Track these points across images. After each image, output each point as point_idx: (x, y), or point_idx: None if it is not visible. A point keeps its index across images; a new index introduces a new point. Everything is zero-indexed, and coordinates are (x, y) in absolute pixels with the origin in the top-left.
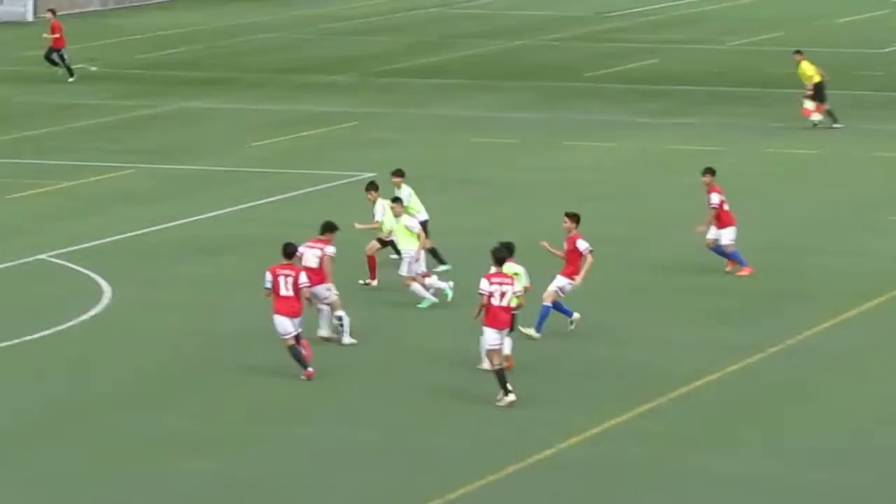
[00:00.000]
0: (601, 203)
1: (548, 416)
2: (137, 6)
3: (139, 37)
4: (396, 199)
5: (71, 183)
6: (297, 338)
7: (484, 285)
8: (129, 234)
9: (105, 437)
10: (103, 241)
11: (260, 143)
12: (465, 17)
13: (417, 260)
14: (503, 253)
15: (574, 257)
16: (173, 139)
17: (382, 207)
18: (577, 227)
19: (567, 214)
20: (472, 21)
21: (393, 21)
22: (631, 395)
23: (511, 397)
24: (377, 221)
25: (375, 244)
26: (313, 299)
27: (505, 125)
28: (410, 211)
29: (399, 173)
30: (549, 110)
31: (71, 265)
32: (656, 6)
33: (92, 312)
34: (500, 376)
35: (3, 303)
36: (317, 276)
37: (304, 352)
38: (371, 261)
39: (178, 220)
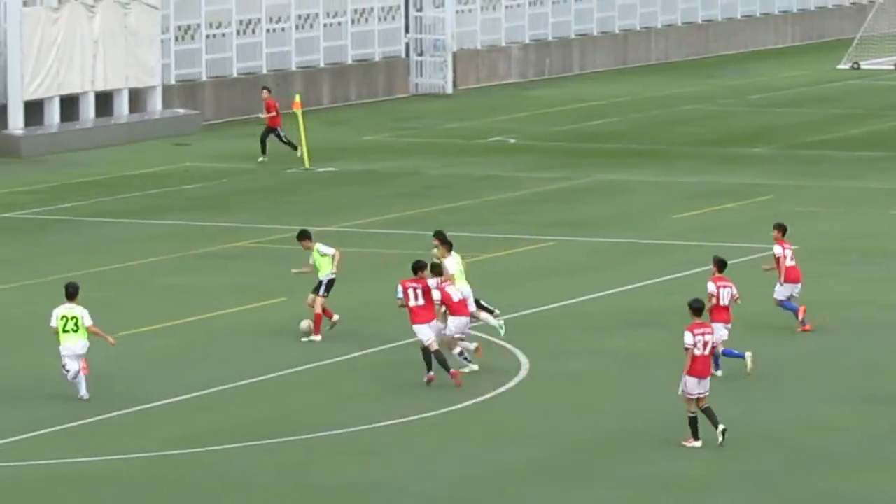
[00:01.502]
0: None
1: None
2: (557, 78)
3: (559, 109)
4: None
5: (487, 256)
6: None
7: (688, 338)
8: (547, 307)
9: None
10: (520, 313)
11: (680, 215)
12: (891, 90)
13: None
14: (698, 304)
15: None
16: (591, 212)
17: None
18: None
19: None
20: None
21: (818, 92)
22: None
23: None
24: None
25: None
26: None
27: None
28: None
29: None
30: None
31: (487, 337)
32: None
33: (509, 384)
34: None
35: (420, 374)
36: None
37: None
38: None
39: (598, 292)
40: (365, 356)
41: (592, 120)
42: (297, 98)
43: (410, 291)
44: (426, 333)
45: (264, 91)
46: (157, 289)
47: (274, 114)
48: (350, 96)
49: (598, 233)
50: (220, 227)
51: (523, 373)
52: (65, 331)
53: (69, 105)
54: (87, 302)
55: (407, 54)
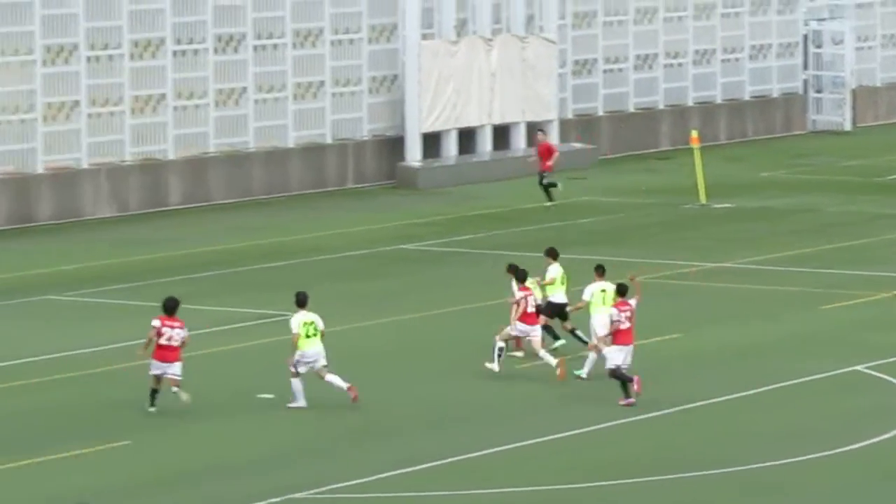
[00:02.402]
0: None
1: None
2: None
3: None
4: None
5: (880, 295)
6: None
7: None
8: None
9: None
10: None
11: None
12: None
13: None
14: None
15: None
16: None
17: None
18: None
19: None
20: None
21: None
22: None
23: None
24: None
25: None
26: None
27: None
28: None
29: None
30: None
31: (887, 377)
32: None
33: None
34: None
35: (817, 413)
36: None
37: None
38: None
39: None
40: (761, 394)
41: None
42: (695, 133)
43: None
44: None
45: (539, 133)
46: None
47: (548, 161)
48: (747, 132)
49: None
50: (614, 262)
51: None
52: (307, 336)
53: (466, 138)
54: (481, 333)
55: (805, 91)
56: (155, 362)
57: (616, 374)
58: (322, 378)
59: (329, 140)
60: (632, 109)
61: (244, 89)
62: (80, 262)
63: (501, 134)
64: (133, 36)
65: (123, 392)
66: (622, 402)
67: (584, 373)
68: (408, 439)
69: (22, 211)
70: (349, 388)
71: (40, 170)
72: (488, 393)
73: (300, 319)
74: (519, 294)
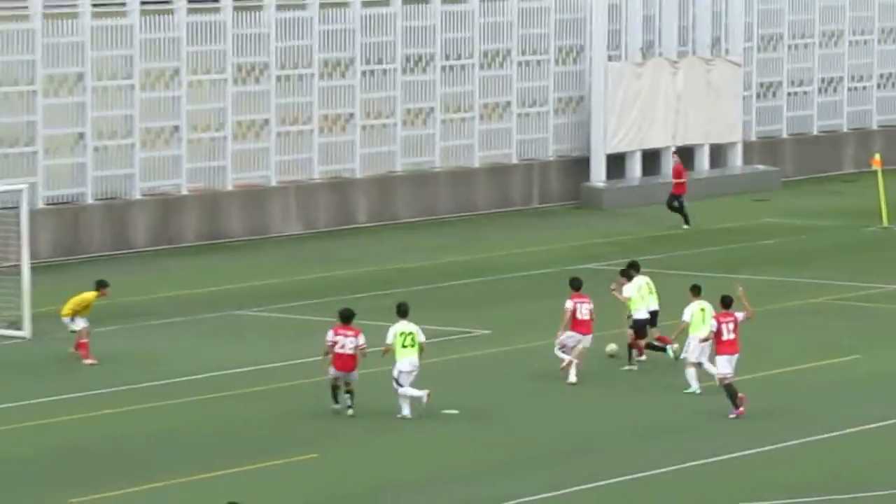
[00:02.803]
0: None
1: None
2: None
3: None
4: None
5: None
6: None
7: None
8: None
9: None
10: None
11: None
12: None
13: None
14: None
15: None
16: None
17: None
18: None
19: None
20: None
21: None
22: None
23: None
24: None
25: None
26: None
27: None
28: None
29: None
30: None
31: None
32: None
33: None
34: None
35: None
36: None
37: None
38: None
39: None
40: None
41: None
42: (877, 156)
43: (724, 327)
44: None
45: (674, 157)
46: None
47: (683, 180)
48: None
49: None
50: (796, 283)
51: None
52: (403, 346)
53: (650, 159)
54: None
55: None
56: (332, 370)
57: (726, 385)
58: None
59: (515, 160)
60: (815, 132)
61: (431, 109)
62: (267, 278)
63: (685, 155)
64: (323, 55)
65: (310, 406)
66: (732, 415)
67: (695, 388)
68: (598, 456)
69: (212, 227)
70: (427, 395)
71: (230, 187)
72: (657, 411)
73: (398, 329)
74: (569, 303)
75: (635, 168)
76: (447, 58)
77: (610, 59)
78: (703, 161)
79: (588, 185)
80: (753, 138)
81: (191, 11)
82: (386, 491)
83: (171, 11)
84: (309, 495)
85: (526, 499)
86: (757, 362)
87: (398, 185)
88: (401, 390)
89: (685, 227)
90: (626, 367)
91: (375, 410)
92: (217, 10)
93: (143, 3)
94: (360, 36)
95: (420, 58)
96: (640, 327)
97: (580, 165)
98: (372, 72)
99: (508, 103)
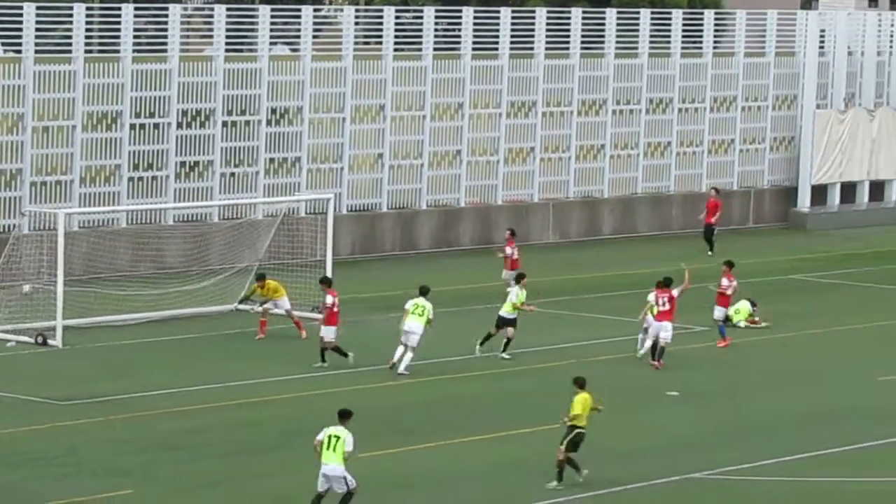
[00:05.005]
0: None
1: None
2: None
3: None
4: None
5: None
6: None
7: None
8: None
9: None
10: None
11: None
12: None
13: None
14: None
15: None
16: None
17: None
18: None
19: None
20: None
21: None
22: None
23: None
24: None
25: None
26: None
27: None
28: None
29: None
30: None
31: None
32: None
33: None
34: None
35: None
36: None
37: None
38: None
39: None
40: None
41: None
42: None
43: (659, 300)
44: None
45: (713, 191)
46: None
47: (717, 215)
48: None
49: None
50: None
51: None
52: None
53: (848, 190)
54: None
55: None
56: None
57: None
58: (404, 348)
59: (735, 187)
60: None
61: (668, 143)
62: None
63: (877, 188)
64: (582, 96)
65: (538, 385)
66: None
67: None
68: (785, 434)
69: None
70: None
71: (499, 202)
72: (857, 396)
73: (414, 301)
74: (650, 297)
75: (835, 197)
76: (683, 101)
77: (818, 106)
78: (892, 193)
79: (795, 210)
80: None
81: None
82: (608, 458)
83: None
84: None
85: (733, 467)
86: None
87: (638, 204)
88: (402, 353)
89: (709, 254)
90: None
91: None
92: None
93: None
94: (611, 81)
95: (661, 101)
96: None
97: (789, 193)
98: (621, 111)
99: (732, 140)
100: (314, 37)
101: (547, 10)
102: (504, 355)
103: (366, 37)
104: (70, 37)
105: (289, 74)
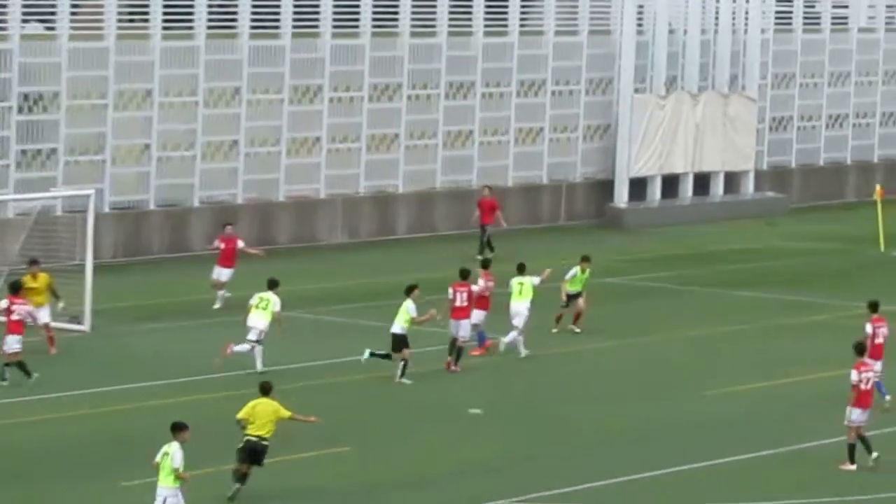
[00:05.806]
0: None
1: None
2: None
3: None
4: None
5: None
6: None
7: (854, 375)
8: None
9: None
10: None
11: None
12: None
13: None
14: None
15: None
16: None
17: None
18: None
19: None
20: None
21: None
22: None
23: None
24: None
25: None
26: None
27: None
28: None
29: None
30: None
31: None
32: None
33: None
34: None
35: None
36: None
37: None
38: None
39: None
40: None
41: None
42: (879, 187)
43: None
44: None
45: (485, 189)
46: (745, 352)
47: (496, 214)
48: None
49: None
50: (796, 302)
51: None
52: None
53: (670, 184)
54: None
55: None
56: None
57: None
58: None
59: (545, 181)
60: (821, 164)
61: (470, 132)
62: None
63: (702, 181)
64: (374, 80)
65: (346, 401)
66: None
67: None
68: (616, 452)
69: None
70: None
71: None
72: (680, 413)
73: (258, 295)
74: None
75: (656, 191)
76: (487, 85)
77: (636, 91)
78: (718, 187)
79: (612, 205)
80: (765, 167)
81: None
82: (407, 486)
83: None
84: (341, 485)
85: (543, 493)
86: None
87: (437, 200)
88: (239, 347)
89: (478, 256)
90: None
91: None
92: None
93: None
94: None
95: (461, 85)
96: None
97: (605, 187)
98: (417, 96)
99: (541, 129)
100: (72, 13)
101: None
102: (405, 380)
103: (130, 13)
104: None
105: (43, 56)
